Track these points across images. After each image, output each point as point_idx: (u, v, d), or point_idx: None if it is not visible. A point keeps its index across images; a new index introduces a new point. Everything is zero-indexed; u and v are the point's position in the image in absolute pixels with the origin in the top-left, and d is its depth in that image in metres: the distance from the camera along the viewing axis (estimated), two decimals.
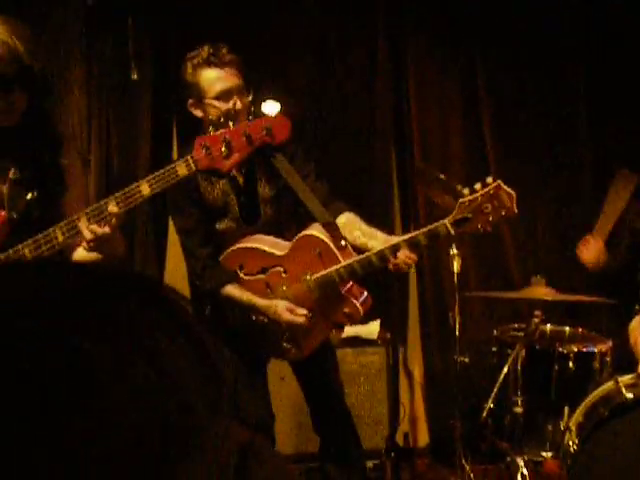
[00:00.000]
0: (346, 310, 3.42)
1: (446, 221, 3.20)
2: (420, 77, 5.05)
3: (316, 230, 3.41)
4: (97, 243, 2.46)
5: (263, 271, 3.50)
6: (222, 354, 0.78)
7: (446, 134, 5.15)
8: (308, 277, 3.41)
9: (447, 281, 4.69)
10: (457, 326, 4.07)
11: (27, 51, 2.41)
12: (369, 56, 5.02)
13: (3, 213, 2.48)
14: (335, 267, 3.35)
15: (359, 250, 3.39)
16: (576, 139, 5.18)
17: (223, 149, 2.55)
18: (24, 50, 2.41)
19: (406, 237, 3.30)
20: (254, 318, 3.48)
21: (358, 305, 3.41)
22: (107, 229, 2.45)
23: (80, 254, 2.58)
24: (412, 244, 3.24)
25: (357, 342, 4.68)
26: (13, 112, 2.49)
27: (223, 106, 3.29)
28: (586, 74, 5.10)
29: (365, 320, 4.53)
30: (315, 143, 4.71)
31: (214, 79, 3.30)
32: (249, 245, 3.51)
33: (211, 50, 3.30)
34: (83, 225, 2.44)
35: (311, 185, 3.46)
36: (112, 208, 2.46)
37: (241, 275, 3.51)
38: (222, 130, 2.56)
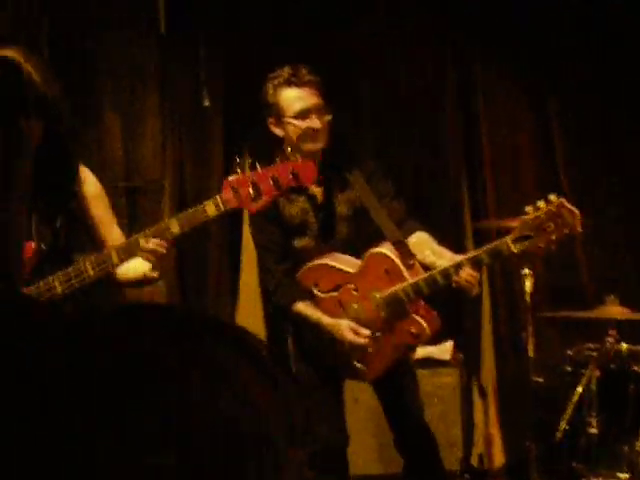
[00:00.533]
0: (413, 330, 3.43)
1: (507, 239, 3.20)
2: (490, 99, 5.06)
3: (385, 248, 3.44)
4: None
5: (336, 289, 3.53)
6: (292, 389, 0.81)
7: (517, 155, 5.13)
8: (377, 295, 3.44)
9: (520, 301, 4.64)
10: (531, 346, 4.04)
11: (41, 79, 2.40)
12: (438, 80, 5.04)
13: (32, 244, 2.51)
14: (401, 285, 3.37)
15: (428, 269, 3.40)
16: None
17: (251, 191, 2.60)
18: (38, 78, 2.39)
19: (469, 255, 3.32)
20: (325, 337, 3.51)
21: (425, 325, 3.42)
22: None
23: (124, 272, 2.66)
24: (475, 262, 3.26)
25: (430, 363, 4.67)
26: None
27: (302, 124, 3.38)
28: None
29: (437, 341, 4.52)
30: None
31: (293, 98, 3.40)
32: (323, 262, 3.55)
33: (291, 71, 3.41)
34: (115, 259, 2.51)
35: (387, 204, 3.51)
36: (144, 244, 2.53)
37: (316, 292, 3.55)
38: (250, 173, 2.61)
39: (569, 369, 4.26)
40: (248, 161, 2.68)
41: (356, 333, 3.41)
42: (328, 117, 3.44)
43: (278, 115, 3.44)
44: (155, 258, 2.53)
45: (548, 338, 4.91)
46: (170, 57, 4.70)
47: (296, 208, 3.52)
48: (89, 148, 4.76)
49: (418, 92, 5.06)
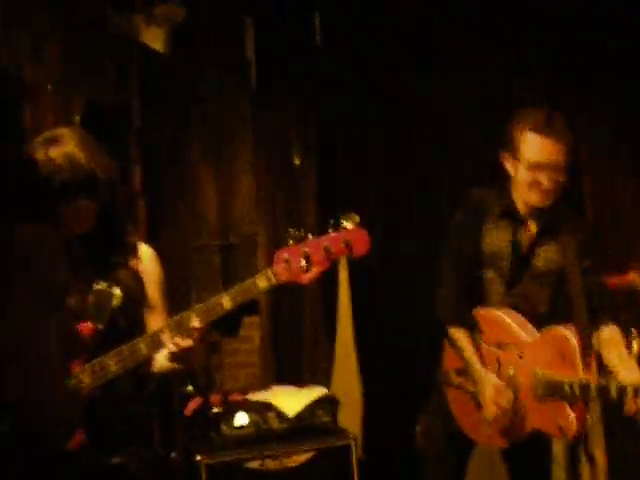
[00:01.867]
0: (561, 423, 3.19)
1: None
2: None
3: (570, 332, 3.16)
4: (179, 355, 2.48)
5: (500, 346, 3.33)
6: None
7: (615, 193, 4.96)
8: (539, 373, 3.24)
9: None
10: None
11: (90, 161, 2.46)
12: None
13: (90, 324, 2.51)
14: (570, 379, 3.10)
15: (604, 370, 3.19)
16: None
17: (303, 263, 2.51)
18: (87, 160, 2.45)
19: None
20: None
21: (575, 426, 3.12)
22: (189, 342, 2.47)
23: (161, 363, 2.61)
24: None
25: None
26: (81, 220, 2.52)
27: (529, 177, 3.21)
28: None
29: None
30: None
31: (533, 147, 3.20)
32: (499, 314, 3.34)
33: (545, 117, 3.20)
34: (167, 338, 2.47)
35: (588, 282, 3.26)
36: (194, 323, 2.48)
37: (479, 338, 3.37)
38: (302, 243, 2.53)
39: None
40: (300, 232, 2.60)
41: (498, 394, 3.22)
42: (563, 179, 3.23)
43: (513, 154, 3.26)
44: (179, 355, 2.49)
45: None
46: (262, 115, 4.67)
47: (498, 239, 3.35)
48: (183, 211, 4.78)
49: None
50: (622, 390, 2.96)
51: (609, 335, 3.23)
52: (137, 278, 2.63)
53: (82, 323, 2.51)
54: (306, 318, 4.80)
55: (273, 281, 2.52)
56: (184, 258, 4.79)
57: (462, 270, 3.39)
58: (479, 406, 3.31)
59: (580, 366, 3.11)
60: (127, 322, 2.58)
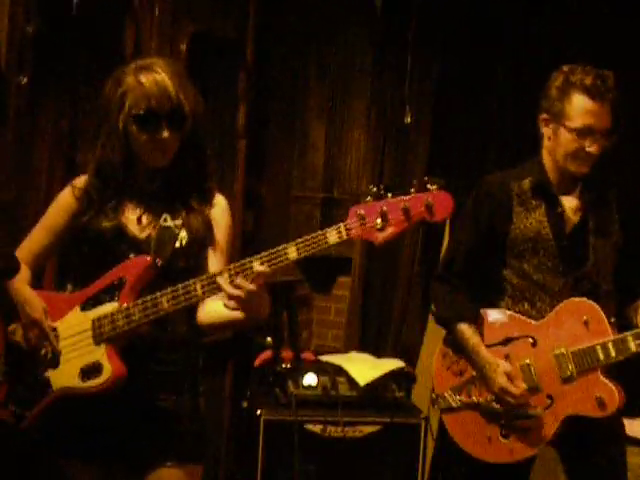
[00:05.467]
0: (600, 394, 2.92)
1: None
2: None
3: (585, 299, 2.97)
4: (240, 301, 2.30)
5: (504, 343, 3.10)
6: None
7: None
8: (562, 350, 2.97)
9: None
10: None
11: (179, 92, 2.41)
12: None
13: (149, 258, 2.43)
14: (602, 340, 2.90)
15: None
16: None
17: (378, 221, 2.29)
18: (176, 90, 2.40)
19: None
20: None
21: (616, 392, 2.90)
22: (251, 286, 2.29)
23: (219, 311, 2.43)
24: None
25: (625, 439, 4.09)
26: (164, 152, 2.46)
27: (578, 144, 2.95)
28: None
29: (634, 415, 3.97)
30: None
31: (584, 110, 2.94)
32: (492, 311, 3.11)
33: (597, 79, 2.93)
34: (225, 281, 2.30)
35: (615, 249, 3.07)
36: (257, 267, 2.30)
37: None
38: (381, 201, 2.30)
39: None
40: (381, 188, 2.38)
41: (512, 381, 2.99)
42: (608, 144, 2.98)
43: (557, 117, 2.99)
44: (245, 297, 2.30)
45: None
46: (381, 69, 4.44)
47: (535, 215, 3.09)
48: (288, 158, 4.65)
49: None
50: None
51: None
52: (207, 224, 2.54)
53: (139, 255, 2.44)
54: (399, 288, 4.56)
55: (344, 236, 2.32)
56: (283, 207, 4.66)
57: (475, 263, 3.15)
58: (492, 418, 3.06)
59: (608, 326, 2.92)
60: (188, 264, 2.49)
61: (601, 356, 2.90)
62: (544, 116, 3.04)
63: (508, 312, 3.10)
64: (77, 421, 2.45)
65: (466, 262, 3.18)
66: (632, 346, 2.86)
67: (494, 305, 3.14)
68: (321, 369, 4.01)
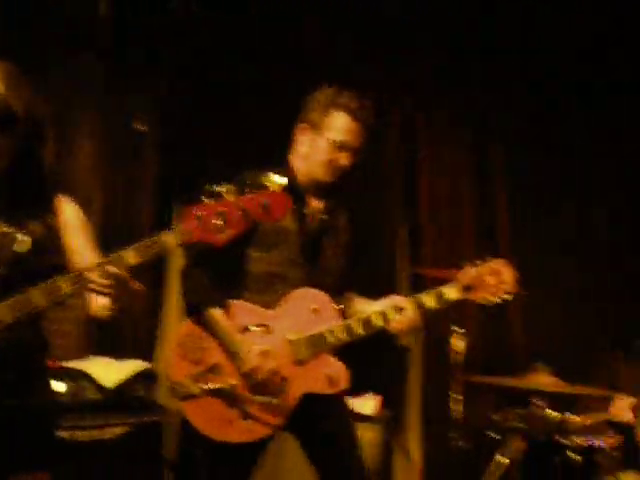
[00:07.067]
0: (328, 372, 3.23)
1: (448, 285, 3.22)
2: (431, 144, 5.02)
3: (312, 289, 3.28)
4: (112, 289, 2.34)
5: (243, 331, 3.24)
6: None
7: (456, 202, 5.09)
8: (294, 337, 3.23)
9: (450, 362, 4.49)
10: (458, 408, 3.90)
11: (11, 95, 2.33)
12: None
13: None
14: (330, 327, 3.22)
15: None
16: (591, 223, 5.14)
17: (218, 222, 2.39)
18: (6, 94, 2.32)
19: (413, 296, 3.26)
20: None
21: (343, 370, 3.24)
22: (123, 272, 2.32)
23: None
24: (417, 305, 3.23)
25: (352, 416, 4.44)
26: None
27: (332, 155, 3.28)
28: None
29: (359, 394, 4.37)
30: None
31: (343, 127, 3.29)
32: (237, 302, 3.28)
33: (357, 104, 3.30)
34: (94, 274, 2.31)
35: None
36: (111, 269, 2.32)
37: None
38: (217, 202, 2.41)
39: (494, 435, 4.09)
40: (215, 189, 2.46)
41: (267, 359, 3.18)
42: (354, 161, 3.33)
43: (316, 128, 3.31)
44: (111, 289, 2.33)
45: (477, 402, 4.76)
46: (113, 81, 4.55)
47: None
48: None
49: None
50: (382, 314, 3.23)
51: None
52: (50, 230, 2.47)
53: None
54: None
55: (183, 238, 2.37)
56: None
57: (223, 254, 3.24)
58: (233, 402, 3.20)
59: (335, 313, 3.28)
60: (33, 269, 2.40)
61: (330, 339, 3.21)
62: (303, 125, 3.35)
63: (246, 303, 3.29)
64: None
65: (213, 253, 3.34)
66: (357, 328, 3.22)
67: (239, 296, 3.29)
68: (66, 375, 3.99)
